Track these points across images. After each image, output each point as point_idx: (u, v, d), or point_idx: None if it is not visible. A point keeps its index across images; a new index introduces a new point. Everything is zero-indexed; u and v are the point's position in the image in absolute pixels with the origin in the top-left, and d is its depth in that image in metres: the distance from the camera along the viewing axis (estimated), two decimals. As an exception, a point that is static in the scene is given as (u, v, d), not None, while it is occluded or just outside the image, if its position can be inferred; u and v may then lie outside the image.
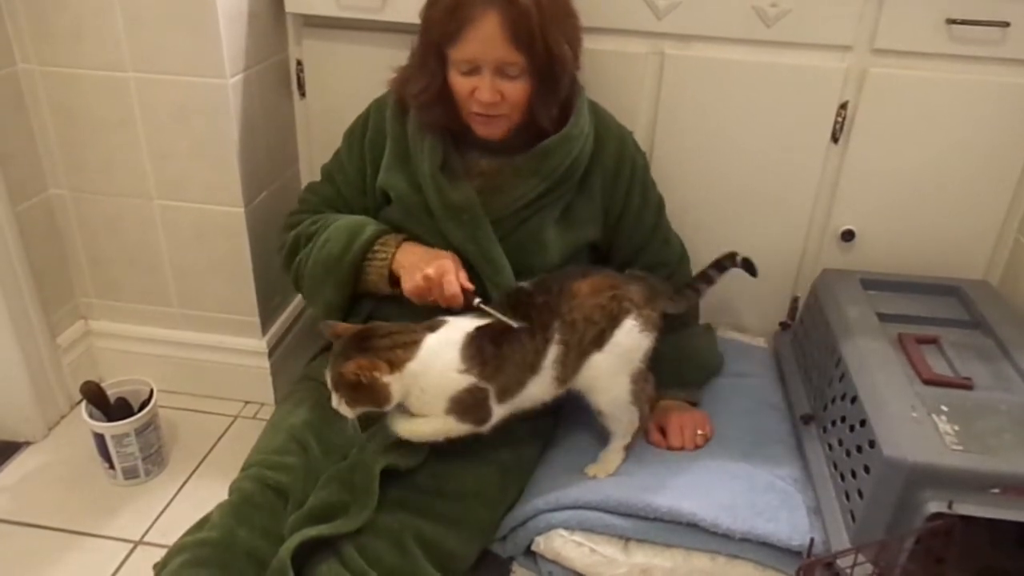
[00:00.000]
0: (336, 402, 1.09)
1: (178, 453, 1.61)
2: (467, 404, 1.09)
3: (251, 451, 1.22)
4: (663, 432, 1.34)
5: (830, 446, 1.24)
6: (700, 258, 1.49)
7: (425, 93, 1.23)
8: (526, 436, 1.29)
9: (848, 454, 1.16)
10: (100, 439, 1.47)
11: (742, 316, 1.67)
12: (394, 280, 1.25)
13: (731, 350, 1.56)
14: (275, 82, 1.60)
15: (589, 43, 1.38)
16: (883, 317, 1.36)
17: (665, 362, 1.40)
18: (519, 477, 1.25)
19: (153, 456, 1.53)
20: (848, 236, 1.54)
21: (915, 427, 1.09)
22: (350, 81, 1.57)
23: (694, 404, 1.40)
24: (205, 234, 1.59)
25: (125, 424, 1.46)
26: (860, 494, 1.10)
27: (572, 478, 1.24)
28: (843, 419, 1.21)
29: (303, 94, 1.65)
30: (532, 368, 1.13)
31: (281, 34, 1.60)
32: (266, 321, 1.70)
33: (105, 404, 1.51)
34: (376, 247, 1.26)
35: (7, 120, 1.48)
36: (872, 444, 1.09)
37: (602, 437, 1.29)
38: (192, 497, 1.50)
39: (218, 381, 1.73)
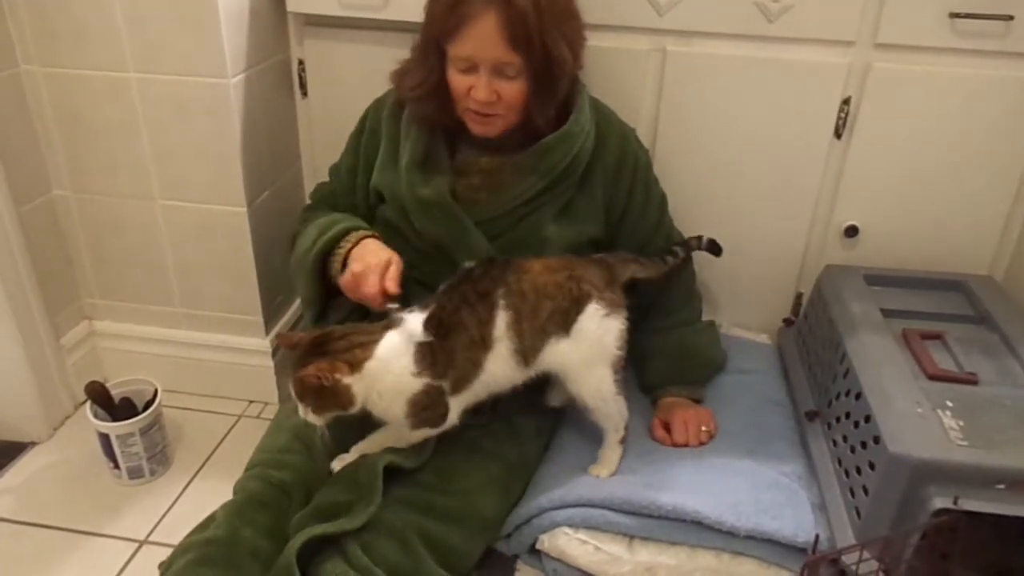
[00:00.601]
0: (303, 412, 1.08)
1: (182, 452, 1.61)
2: (424, 404, 1.09)
3: (255, 450, 1.23)
4: (667, 429, 1.34)
5: (835, 442, 1.24)
6: (704, 258, 1.49)
7: (422, 87, 1.23)
8: (529, 433, 1.29)
9: (853, 450, 1.16)
10: (105, 439, 1.48)
11: (745, 312, 1.66)
12: None
13: (735, 346, 1.55)
14: (277, 81, 1.60)
15: (590, 40, 1.37)
16: (887, 313, 1.36)
17: (668, 359, 1.41)
18: (523, 474, 1.25)
19: (158, 456, 1.53)
20: (852, 232, 1.54)
21: (920, 423, 1.08)
22: (352, 80, 1.57)
23: (698, 401, 1.40)
24: (208, 234, 1.59)
25: (130, 424, 1.46)
26: (865, 490, 1.10)
27: (576, 476, 1.24)
28: (848, 415, 1.20)
29: (305, 93, 1.65)
30: (484, 343, 1.11)
31: (283, 33, 1.60)
32: (269, 320, 1.70)
33: (110, 404, 1.51)
34: (341, 243, 1.26)
35: (10, 122, 1.48)
36: (877, 440, 1.09)
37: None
38: (197, 496, 1.51)
39: (222, 380, 1.74)
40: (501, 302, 1.12)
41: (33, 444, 1.62)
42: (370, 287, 1.16)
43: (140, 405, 1.54)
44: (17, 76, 1.48)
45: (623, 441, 1.27)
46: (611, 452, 1.26)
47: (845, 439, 1.20)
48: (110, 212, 1.61)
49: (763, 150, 1.50)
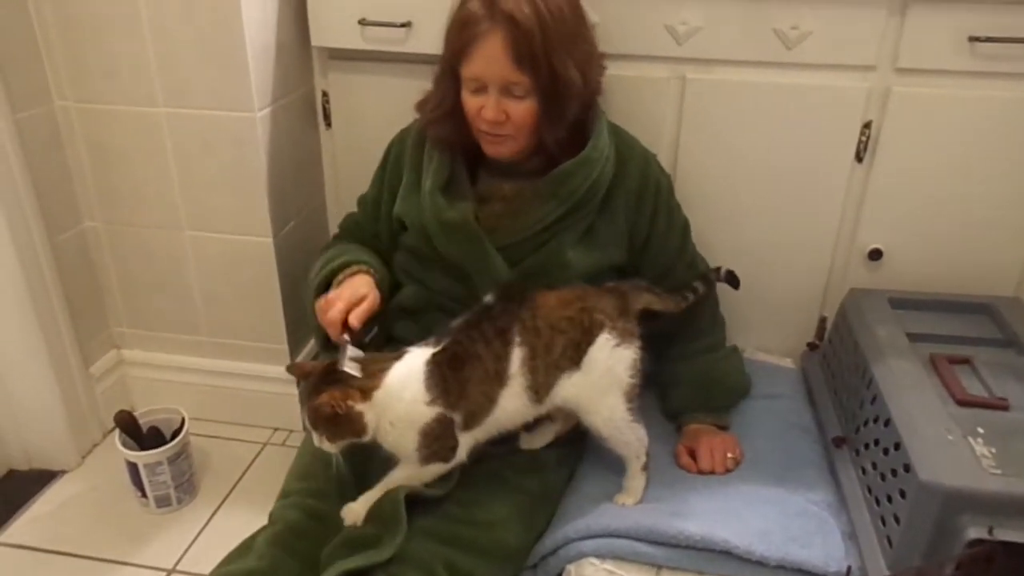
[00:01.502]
0: (317, 440, 1.09)
1: (209, 480, 1.62)
2: (435, 434, 1.09)
3: (288, 477, 1.24)
4: (693, 456, 1.33)
5: (863, 469, 1.22)
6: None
7: (438, 108, 1.26)
8: (554, 463, 1.28)
9: (883, 478, 1.15)
10: (133, 468, 1.49)
11: (769, 336, 1.65)
12: None
13: (759, 371, 1.54)
14: (301, 113, 1.63)
15: (611, 69, 1.39)
16: (913, 337, 1.35)
17: (693, 386, 1.41)
18: (547, 505, 1.25)
19: (185, 484, 1.54)
20: (875, 255, 1.53)
21: (951, 450, 1.07)
22: (374, 111, 1.59)
23: (723, 428, 1.39)
24: (234, 264, 1.62)
25: (158, 453, 1.48)
26: (896, 519, 1.09)
27: (601, 505, 1.23)
28: (876, 442, 1.19)
29: (329, 124, 1.68)
30: (499, 378, 1.12)
31: (307, 67, 1.63)
32: (294, 348, 1.72)
33: (138, 433, 1.53)
34: (339, 275, 1.29)
35: (45, 155, 1.52)
36: (907, 468, 1.07)
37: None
38: (224, 525, 1.52)
39: (247, 408, 1.75)
40: (517, 339, 1.13)
41: (63, 472, 1.64)
42: (334, 313, 1.18)
43: (168, 433, 1.55)
44: (52, 112, 1.52)
45: (646, 468, 1.26)
46: (635, 481, 1.25)
47: (875, 466, 1.18)
48: (139, 242, 1.64)
49: (784, 174, 1.50)
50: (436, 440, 1.10)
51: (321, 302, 1.22)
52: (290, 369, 1.16)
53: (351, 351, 1.13)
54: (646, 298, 1.28)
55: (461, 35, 1.18)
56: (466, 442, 1.13)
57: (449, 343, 1.12)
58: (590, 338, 1.16)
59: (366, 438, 1.09)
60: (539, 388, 1.14)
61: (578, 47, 1.21)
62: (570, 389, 1.16)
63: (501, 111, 1.19)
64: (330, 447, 1.09)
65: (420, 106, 1.33)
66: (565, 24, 1.18)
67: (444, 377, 1.09)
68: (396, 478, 1.15)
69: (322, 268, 1.31)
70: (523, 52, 1.14)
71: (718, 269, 1.39)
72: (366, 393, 1.07)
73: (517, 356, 1.12)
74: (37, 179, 1.48)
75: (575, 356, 1.16)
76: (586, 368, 1.16)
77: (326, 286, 1.29)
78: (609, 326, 1.17)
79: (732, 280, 1.39)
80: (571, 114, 1.23)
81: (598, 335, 1.16)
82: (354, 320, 1.18)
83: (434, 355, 1.11)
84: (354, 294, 1.21)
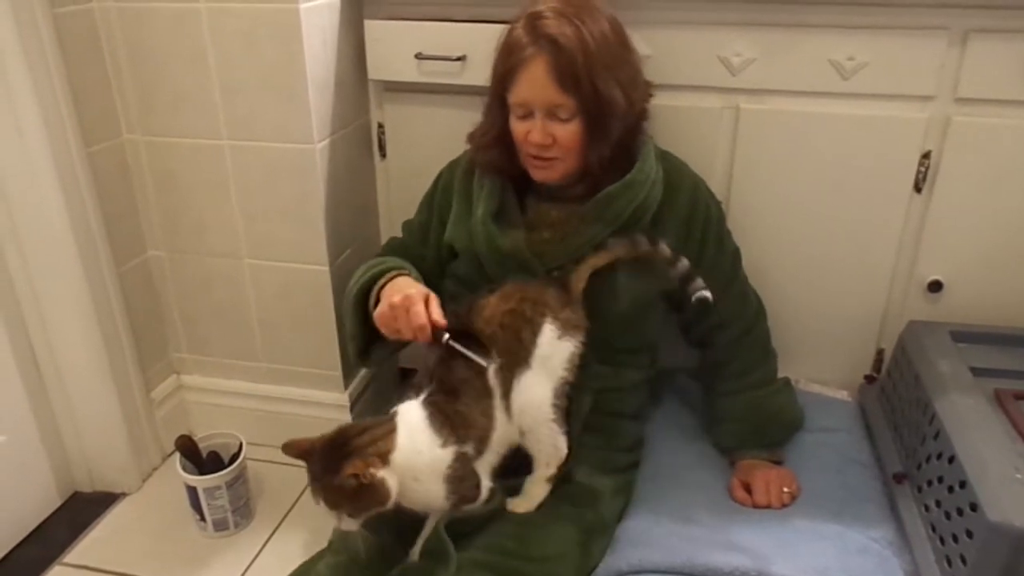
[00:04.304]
0: (338, 521, 1.06)
1: (264, 505, 1.65)
2: (459, 476, 1.09)
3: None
4: (748, 490, 1.32)
5: (926, 507, 1.20)
6: (779, 313, 1.48)
7: (487, 135, 1.29)
8: (608, 494, 1.28)
9: (948, 516, 1.12)
10: (192, 492, 1.52)
11: (824, 368, 1.63)
12: None
13: (814, 403, 1.52)
14: (358, 144, 1.67)
15: (664, 99, 1.41)
16: (977, 372, 1.31)
17: (746, 422, 1.39)
18: (602, 537, 1.24)
19: (242, 508, 1.57)
20: (935, 287, 1.50)
21: (1020, 490, 1.04)
22: (428, 142, 1.62)
23: (778, 462, 1.37)
24: (291, 291, 1.65)
25: (217, 477, 1.51)
26: (963, 560, 1.06)
27: (654, 536, 1.22)
28: (940, 479, 1.16)
29: (384, 155, 1.71)
30: (487, 391, 1.14)
31: (364, 99, 1.67)
32: (348, 375, 1.75)
33: (198, 457, 1.56)
34: (380, 280, 1.29)
35: (113, 186, 1.58)
36: (974, 507, 1.05)
37: (687, 495, 1.27)
38: (279, 549, 1.54)
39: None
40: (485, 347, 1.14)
41: (124, 495, 1.68)
42: (417, 317, 1.16)
43: (226, 458, 1.59)
44: (121, 145, 1.58)
45: (551, 480, 1.21)
46: (535, 487, 1.21)
47: (938, 504, 1.16)
48: (200, 270, 1.69)
49: (840, 205, 1.49)
50: (461, 482, 1.10)
51: (383, 312, 1.21)
52: (287, 449, 1.10)
53: (457, 345, 1.13)
54: (588, 265, 1.24)
55: (507, 62, 1.21)
56: (484, 469, 1.14)
57: (434, 383, 1.12)
58: (536, 331, 1.16)
59: (389, 505, 1.06)
60: (507, 395, 1.15)
61: (621, 69, 1.22)
62: (522, 390, 1.16)
63: (548, 134, 1.21)
64: (352, 524, 1.06)
65: (471, 138, 1.35)
66: (608, 46, 1.19)
67: (446, 414, 1.09)
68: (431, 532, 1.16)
69: (363, 274, 1.32)
70: (566, 74, 1.16)
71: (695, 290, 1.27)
72: (383, 457, 1.04)
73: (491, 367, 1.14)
74: (106, 210, 1.54)
75: (524, 354, 1.15)
76: (536, 366, 1.16)
77: (366, 292, 1.31)
78: (551, 316, 1.17)
79: (701, 303, 1.27)
80: (615, 134, 1.24)
81: (542, 325, 1.16)
82: (437, 316, 1.18)
83: (426, 399, 1.11)
84: (419, 291, 1.20)
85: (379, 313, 1.22)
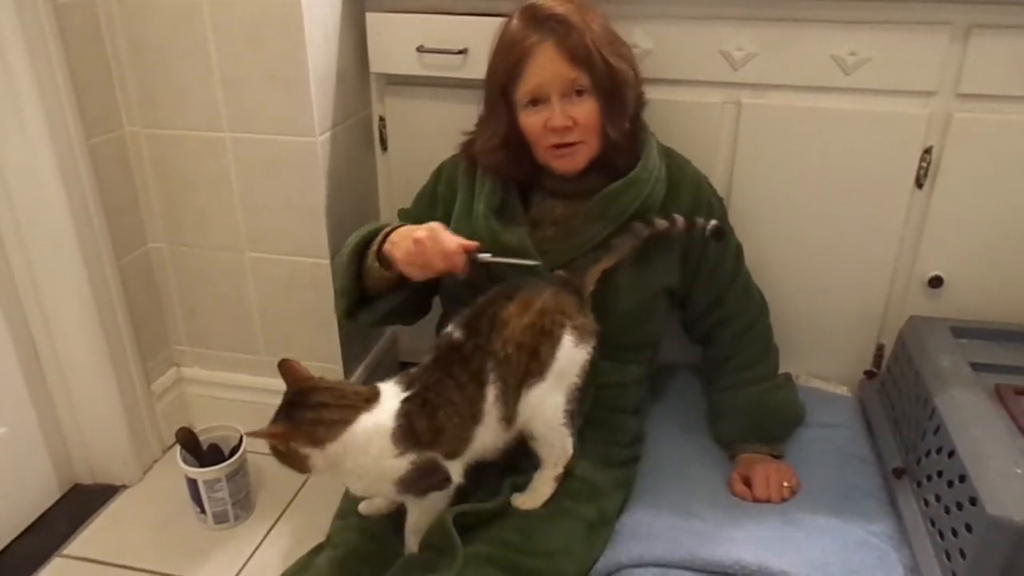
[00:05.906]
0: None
1: (264, 497, 1.65)
2: (414, 478, 1.06)
3: (344, 497, 1.25)
4: (748, 484, 1.32)
5: (926, 502, 1.20)
6: (780, 308, 1.48)
7: (493, 138, 1.27)
8: (610, 488, 1.28)
9: (947, 511, 1.12)
10: (192, 484, 1.52)
11: (824, 363, 1.63)
12: (386, 263, 1.25)
13: (814, 398, 1.52)
14: (359, 138, 1.67)
15: (665, 94, 1.41)
16: (977, 367, 1.32)
17: (746, 416, 1.40)
18: (605, 530, 1.24)
19: (242, 501, 1.57)
20: (936, 283, 1.50)
21: (1020, 484, 1.04)
22: (429, 135, 1.62)
23: (778, 457, 1.38)
24: (292, 285, 1.65)
25: (217, 469, 1.51)
26: (962, 554, 1.06)
27: (656, 530, 1.22)
28: (940, 474, 1.17)
29: (385, 148, 1.71)
30: (474, 418, 1.10)
31: (365, 92, 1.67)
32: (348, 368, 1.74)
33: (198, 450, 1.56)
34: (384, 232, 1.28)
35: (114, 179, 1.57)
36: (973, 501, 1.05)
37: (688, 490, 1.27)
38: (279, 541, 1.54)
39: None
40: (491, 376, 1.11)
41: (124, 487, 1.68)
42: (450, 242, 1.16)
43: (226, 450, 1.59)
44: (122, 137, 1.58)
45: (558, 479, 1.21)
46: (543, 486, 1.21)
47: (938, 499, 1.16)
48: (201, 263, 1.69)
49: (841, 200, 1.49)
50: (421, 479, 1.07)
51: (408, 251, 1.18)
52: (283, 365, 1.09)
53: (499, 259, 1.14)
54: (599, 266, 1.24)
55: (510, 56, 1.21)
56: (455, 468, 1.11)
57: (420, 389, 1.08)
58: (555, 344, 1.14)
59: (318, 474, 1.05)
60: (510, 415, 1.14)
61: (620, 46, 1.25)
62: (532, 401, 1.15)
63: (568, 116, 1.20)
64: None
65: (467, 146, 1.35)
66: (605, 26, 1.23)
67: (414, 428, 1.05)
68: (413, 521, 1.16)
69: (361, 233, 1.31)
70: (577, 50, 1.18)
71: (705, 222, 1.29)
72: (317, 442, 1.01)
73: (491, 393, 1.11)
74: (107, 202, 1.54)
75: (540, 368, 1.14)
76: (550, 379, 1.15)
77: (366, 244, 1.30)
78: (569, 326, 1.16)
79: (717, 234, 1.30)
80: (631, 107, 1.25)
81: (561, 337, 1.15)
82: (467, 241, 1.18)
83: (404, 403, 1.07)
84: (437, 223, 1.20)
85: (405, 252, 1.19)
